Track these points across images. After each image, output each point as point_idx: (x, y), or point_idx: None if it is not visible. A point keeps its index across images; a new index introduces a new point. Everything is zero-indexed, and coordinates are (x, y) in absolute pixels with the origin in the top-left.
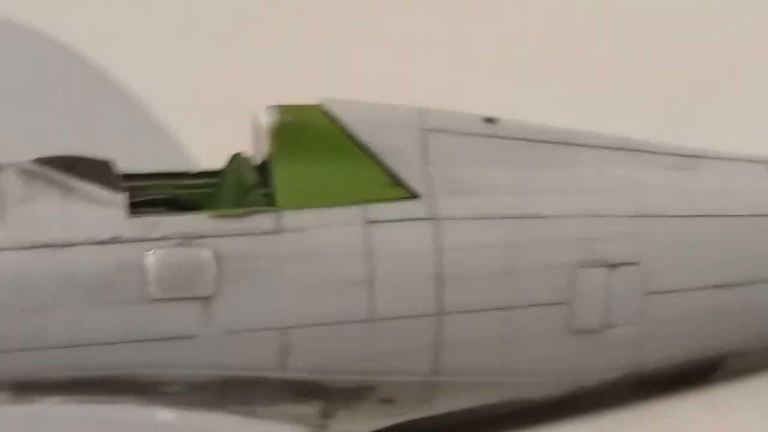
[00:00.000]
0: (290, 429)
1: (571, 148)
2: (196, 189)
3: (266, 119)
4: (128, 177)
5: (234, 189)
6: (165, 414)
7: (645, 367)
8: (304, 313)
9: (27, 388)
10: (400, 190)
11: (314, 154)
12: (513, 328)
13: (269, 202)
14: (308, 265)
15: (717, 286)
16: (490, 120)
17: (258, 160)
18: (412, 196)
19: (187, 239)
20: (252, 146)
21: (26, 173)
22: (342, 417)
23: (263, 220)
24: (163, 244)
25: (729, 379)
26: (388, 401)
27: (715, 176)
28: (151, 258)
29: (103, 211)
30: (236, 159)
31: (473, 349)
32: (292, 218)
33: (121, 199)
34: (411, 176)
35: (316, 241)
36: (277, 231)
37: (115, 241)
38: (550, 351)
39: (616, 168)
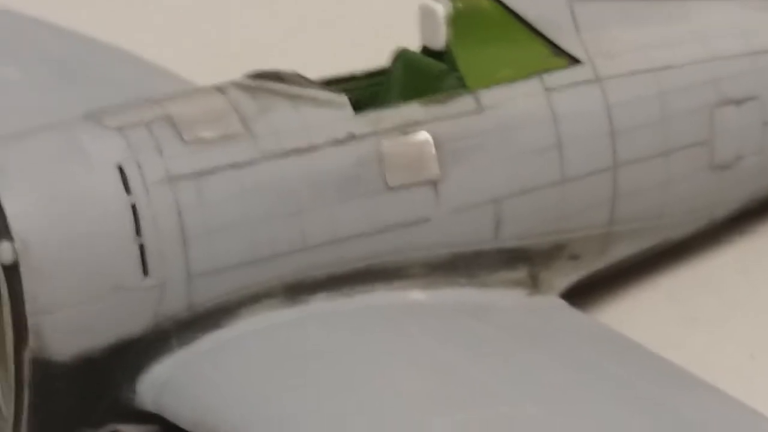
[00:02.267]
0: (515, 293)
1: (682, 3)
2: (363, 90)
3: (440, 9)
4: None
5: (413, 79)
6: (416, 294)
7: (761, 194)
8: (511, 183)
9: (297, 289)
10: (564, 58)
11: (487, 36)
12: (669, 171)
13: (461, 85)
14: (509, 138)
15: None
16: None
17: (434, 47)
18: (575, 62)
19: (407, 127)
20: (422, 35)
21: (249, 89)
22: (543, 278)
23: (465, 102)
24: (390, 135)
25: None
26: (575, 257)
27: None
28: (385, 149)
29: (333, 112)
30: (404, 54)
31: (640, 196)
32: (487, 96)
33: (344, 99)
34: (570, 45)
35: (511, 114)
36: (478, 110)
37: (351, 138)
38: (696, 189)
39: (719, 15)
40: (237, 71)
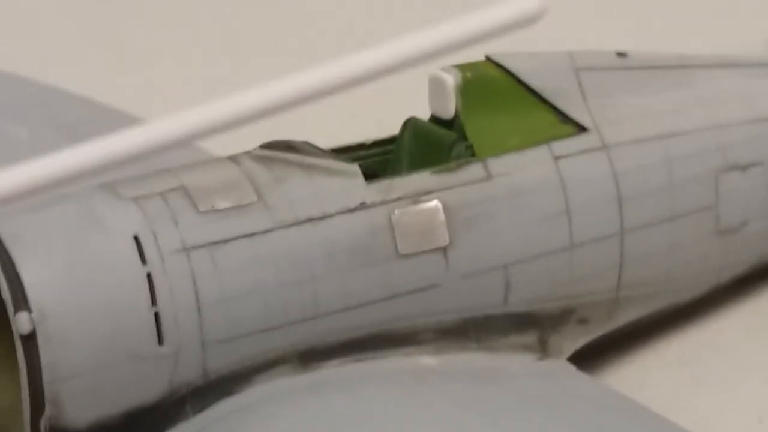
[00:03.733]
0: (525, 357)
1: (687, 70)
2: (372, 158)
3: (450, 79)
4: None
5: (422, 148)
6: (427, 360)
7: (767, 258)
8: (519, 250)
9: (310, 355)
10: (571, 126)
11: (496, 105)
12: (675, 236)
13: (470, 154)
14: (517, 205)
15: None
16: (621, 54)
17: (443, 116)
18: (582, 129)
19: (418, 196)
20: (431, 104)
21: (262, 159)
22: (553, 342)
23: (475, 170)
24: (401, 203)
25: None
26: (583, 321)
27: None
28: (396, 217)
29: (345, 181)
30: (413, 122)
31: (647, 261)
32: (496, 164)
33: (356, 168)
34: (577, 113)
35: (520, 181)
36: (487, 178)
37: (362, 207)
38: (702, 254)
39: (723, 82)
40: (248, 139)
